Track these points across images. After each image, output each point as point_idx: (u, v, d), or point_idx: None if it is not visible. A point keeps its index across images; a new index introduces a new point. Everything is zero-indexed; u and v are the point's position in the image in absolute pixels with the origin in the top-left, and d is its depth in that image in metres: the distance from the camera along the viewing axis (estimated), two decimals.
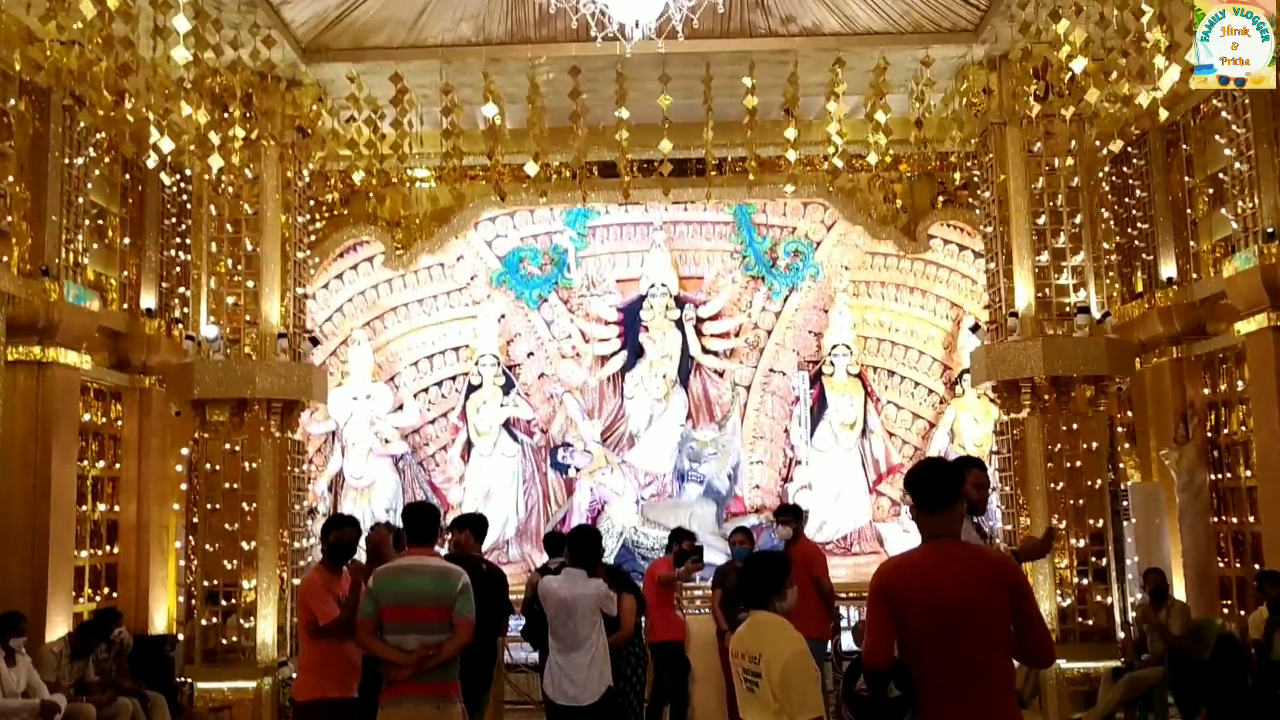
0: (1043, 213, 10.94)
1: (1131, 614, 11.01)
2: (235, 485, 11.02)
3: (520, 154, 11.94)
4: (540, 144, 11.34)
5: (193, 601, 11.16)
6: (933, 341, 15.08)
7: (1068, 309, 10.85)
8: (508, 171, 12.80)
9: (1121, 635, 10.75)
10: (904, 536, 14.66)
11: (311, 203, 12.56)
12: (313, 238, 12.62)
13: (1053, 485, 10.75)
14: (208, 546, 10.96)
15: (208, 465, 11.04)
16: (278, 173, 11.30)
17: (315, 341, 12.09)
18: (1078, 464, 10.75)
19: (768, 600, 5.32)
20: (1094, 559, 10.74)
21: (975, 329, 11.99)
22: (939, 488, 4.45)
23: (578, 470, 14.84)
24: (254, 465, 11.05)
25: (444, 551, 8.10)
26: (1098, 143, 11.00)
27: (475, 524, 8.43)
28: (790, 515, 9.76)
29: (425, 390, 15.22)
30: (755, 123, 11.05)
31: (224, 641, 10.89)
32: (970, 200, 12.97)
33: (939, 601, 4.23)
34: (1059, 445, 10.77)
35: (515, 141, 11.99)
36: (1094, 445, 10.79)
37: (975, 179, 12.18)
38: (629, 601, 8.45)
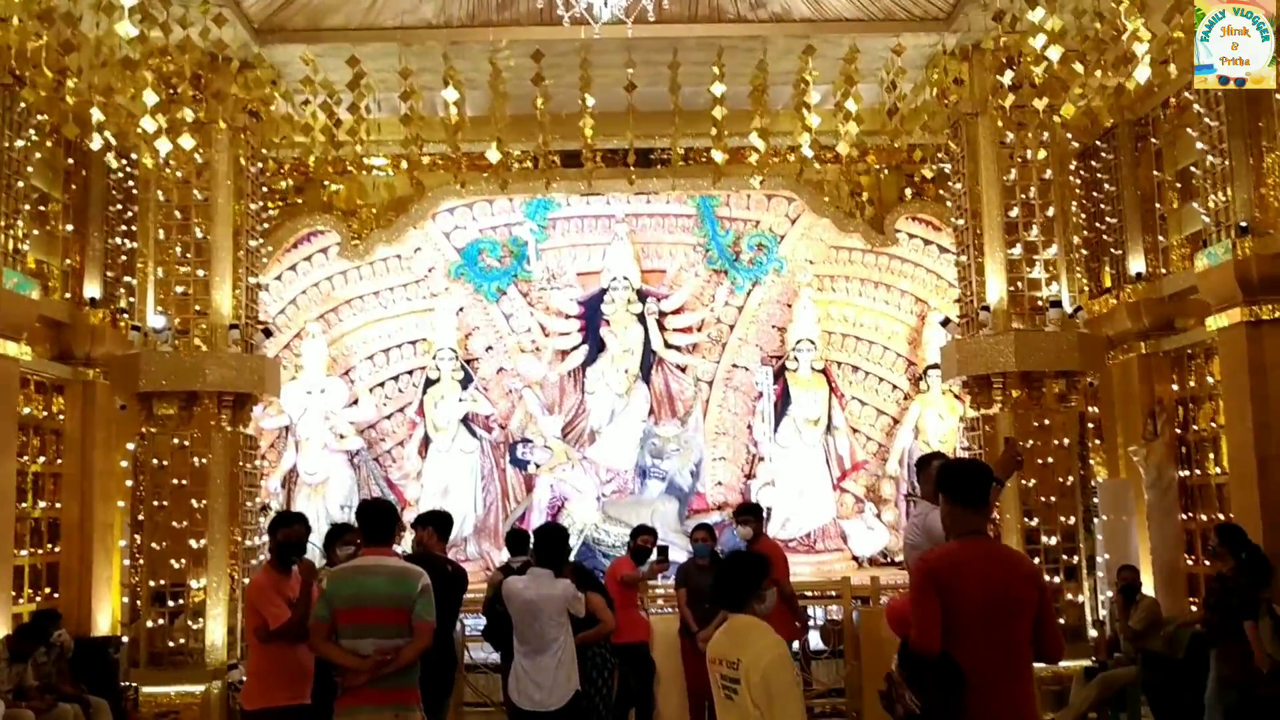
0: (1014, 205, 10.70)
1: (1103, 612, 10.80)
2: (183, 481, 10.55)
3: (481, 142, 11.59)
4: (502, 131, 11.01)
5: (138, 602, 10.70)
6: (897, 337, 14.86)
7: (1040, 303, 10.63)
8: (468, 160, 12.43)
9: (1094, 634, 10.54)
10: (868, 534, 14.50)
11: (265, 189, 12.09)
12: (265, 226, 12.15)
13: (1024, 482, 10.52)
14: (154, 545, 10.48)
15: (154, 461, 10.56)
16: (229, 158, 10.83)
17: (268, 333, 11.63)
18: (1049, 460, 10.53)
19: (745, 602, 5.01)
20: (1065, 557, 10.52)
21: (946, 323, 11.76)
22: (976, 486, 4.70)
23: (537, 466, 14.50)
24: (203, 461, 10.59)
25: (404, 549, 7.76)
26: (1069, 135, 10.80)
27: (439, 521, 8.06)
28: (750, 514, 9.36)
29: (381, 385, 14.84)
30: (723, 111, 10.76)
31: (171, 644, 10.42)
32: (940, 193, 12.74)
33: (989, 592, 4.44)
34: (1031, 441, 10.51)
35: (476, 129, 11.62)
36: (1066, 441, 10.58)
37: (945, 171, 11.94)
38: (597, 599, 8.14)
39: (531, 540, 7.98)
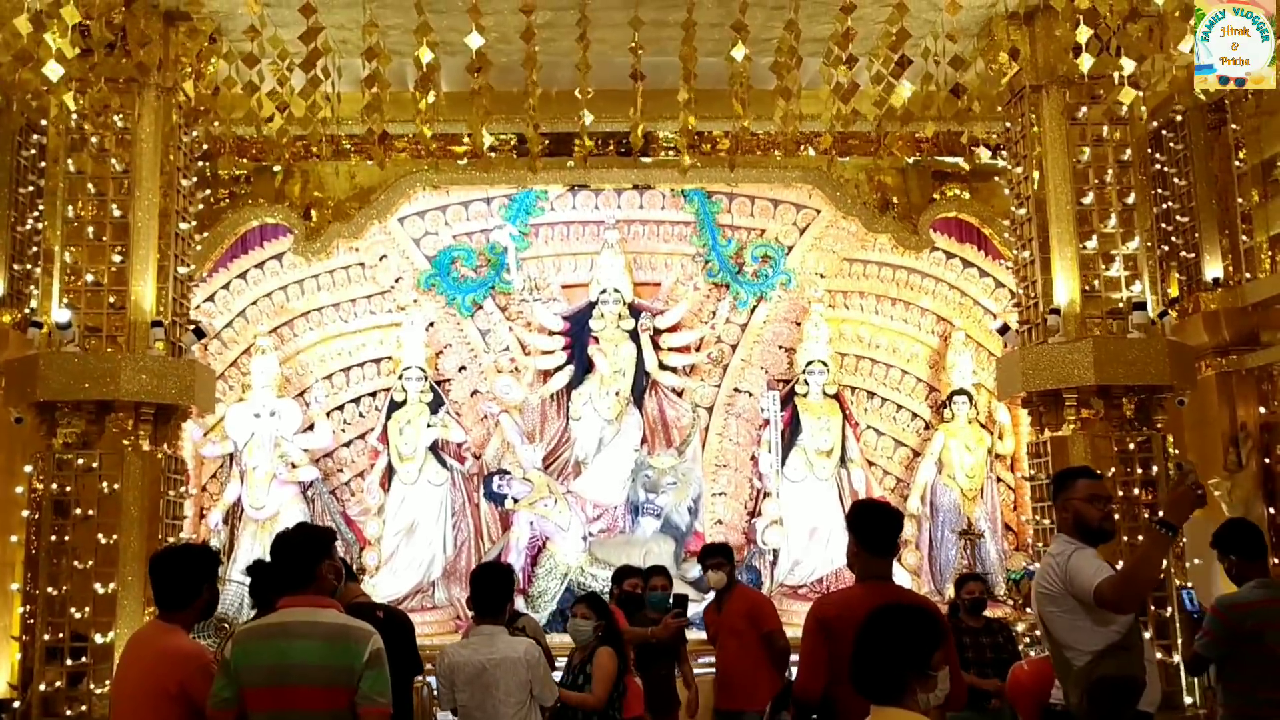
0: (1088, 191, 8.79)
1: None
2: (90, 512, 8.37)
3: (456, 122, 9.64)
4: (485, 104, 8.97)
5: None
6: (918, 360, 12.88)
7: (1118, 306, 8.69)
8: (440, 146, 10.45)
9: (1190, 701, 8.52)
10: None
11: (205, 171, 10.00)
12: (200, 207, 10.02)
13: None
14: (51, 590, 8.27)
15: (54, 486, 8.37)
16: (156, 124, 8.73)
17: (200, 333, 9.45)
18: (1135, 492, 8.54)
19: (904, 686, 2.96)
20: (1154, 608, 8.50)
21: (1004, 330, 9.82)
22: (886, 534, 4.59)
23: (515, 501, 12.24)
24: (115, 487, 8.41)
25: None
26: (1144, 108, 8.93)
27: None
28: (722, 557, 7.51)
29: (340, 408, 12.61)
30: (743, 85, 8.80)
31: (69, 712, 8.17)
32: (996, 178, 10.79)
33: None
34: (1110, 469, 8.53)
35: (451, 107, 9.66)
36: (1154, 470, 8.59)
37: (990, 162, 10.05)
38: (604, 659, 6.09)
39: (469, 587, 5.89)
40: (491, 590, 5.36)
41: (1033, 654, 8.44)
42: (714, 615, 7.42)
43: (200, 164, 10.03)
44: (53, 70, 7.24)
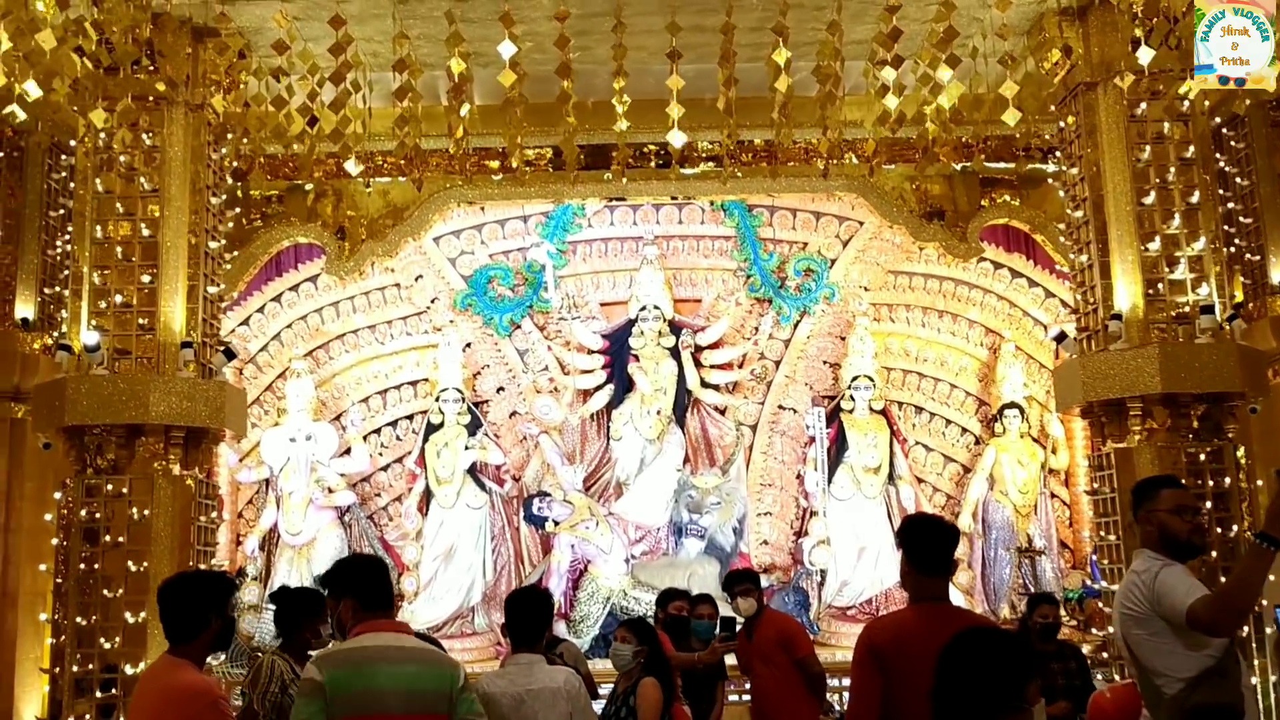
0: (1149, 191, 8.35)
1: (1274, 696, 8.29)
2: (120, 539, 8.09)
3: (490, 135, 9.34)
4: (519, 116, 8.67)
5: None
6: (966, 373, 12.43)
7: (1184, 310, 8.24)
8: (475, 161, 10.17)
9: None
10: None
11: (234, 187, 9.77)
12: (231, 226, 9.78)
13: None
14: (80, 620, 7.99)
15: (83, 512, 8.10)
16: (185, 141, 8.50)
17: (230, 354, 9.17)
18: (1207, 505, 8.06)
19: None
20: None
21: (1061, 338, 9.37)
22: (939, 552, 4.26)
23: (556, 524, 11.88)
24: (145, 513, 8.13)
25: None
26: (1205, 104, 8.50)
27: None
28: (749, 583, 7.23)
29: (377, 431, 12.33)
30: (787, 82, 8.45)
31: None
32: (1052, 181, 10.36)
33: (932, 666, 3.41)
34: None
35: (485, 120, 9.38)
36: (1226, 482, 8.11)
37: (1041, 169, 9.63)
38: (649, 690, 5.70)
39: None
40: (528, 617, 4.96)
41: (1099, 678, 8.00)
42: (745, 643, 7.06)
43: (232, 183, 9.79)
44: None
